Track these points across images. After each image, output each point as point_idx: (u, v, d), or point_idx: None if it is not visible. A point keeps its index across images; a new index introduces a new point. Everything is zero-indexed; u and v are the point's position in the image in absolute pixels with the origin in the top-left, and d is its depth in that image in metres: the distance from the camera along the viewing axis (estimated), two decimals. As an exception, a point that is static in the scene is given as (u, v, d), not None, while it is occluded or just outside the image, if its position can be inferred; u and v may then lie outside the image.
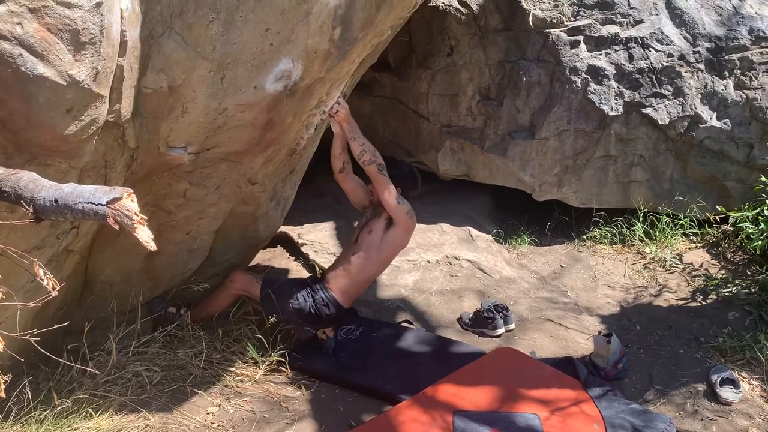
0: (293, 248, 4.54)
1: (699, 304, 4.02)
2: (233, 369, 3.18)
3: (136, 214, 1.41)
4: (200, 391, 3.00)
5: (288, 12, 2.38)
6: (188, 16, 2.25)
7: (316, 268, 4.15)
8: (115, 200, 1.40)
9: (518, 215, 5.12)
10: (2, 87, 1.84)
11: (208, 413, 2.89)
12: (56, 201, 1.42)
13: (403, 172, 3.51)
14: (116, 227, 1.41)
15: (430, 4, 4.70)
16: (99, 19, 1.91)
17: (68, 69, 1.90)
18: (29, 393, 2.55)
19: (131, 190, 1.43)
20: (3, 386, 1.78)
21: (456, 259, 4.41)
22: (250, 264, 4.10)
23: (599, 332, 3.57)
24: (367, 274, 3.40)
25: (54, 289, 1.66)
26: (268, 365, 3.22)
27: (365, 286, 3.51)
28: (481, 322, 3.76)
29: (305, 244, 4.52)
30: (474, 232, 4.75)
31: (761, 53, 4.35)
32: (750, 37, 4.34)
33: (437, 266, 4.34)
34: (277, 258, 4.46)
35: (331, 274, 3.41)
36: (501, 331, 3.73)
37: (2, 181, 1.47)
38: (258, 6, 2.31)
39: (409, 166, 3.65)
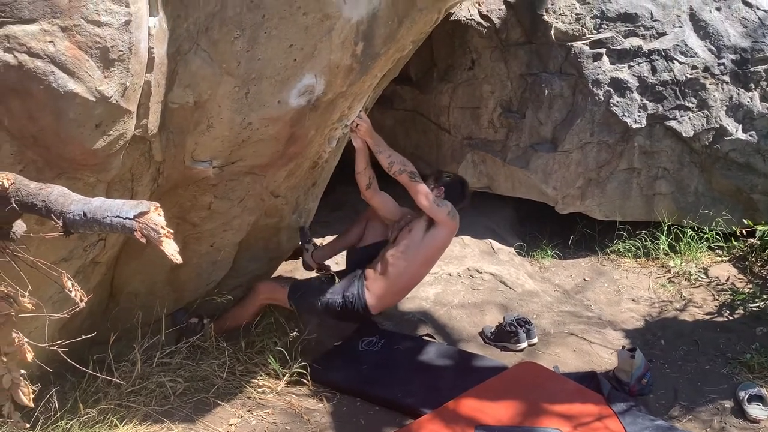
0: (320, 271, 4.55)
1: (726, 319, 3.96)
2: (255, 381, 3.20)
3: (162, 227, 1.44)
4: (223, 403, 3.02)
5: (311, 28, 2.41)
6: (214, 32, 2.30)
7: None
8: (142, 214, 1.43)
9: (541, 228, 5.10)
10: (34, 103, 1.90)
11: (231, 425, 2.91)
12: (85, 215, 1.45)
13: (450, 181, 3.48)
14: (143, 240, 1.44)
15: (451, 18, 4.72)
16: (128, 36, 1.95)
17: (98, 85, 1.95)
18: (56, 402, 2.59)
19: (158, 204, 1.46)
20: (31, 396, 1.82)
21: (478, 271, 4.39)
22: (273, 275, 4.13)
23: (623, 347, 3.53)
24: (406, 277, 3.32)
25: (82, 300, 1.69)
26: (290, 377, 3.24)
27: (402, 294, 3.48)
28: (504, 336, 3.74)
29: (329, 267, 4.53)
30: (496, 244, 4.73)
31: (788, 65, 4.30)
32: (776, 49, 4.29)
33: (459, 279, 4.33)
34: (299, 269, 4.48)
35: (369, 272, 3.34)
36: (523, 345, 3.70)
37: (34, 196, 1.51)
38: (282, 23, 2.35)
39: (458, 177, 3.61)
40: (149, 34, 2.11)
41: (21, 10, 1.74)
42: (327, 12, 2.41)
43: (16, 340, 1.74)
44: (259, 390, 3.15)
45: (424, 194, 3.22)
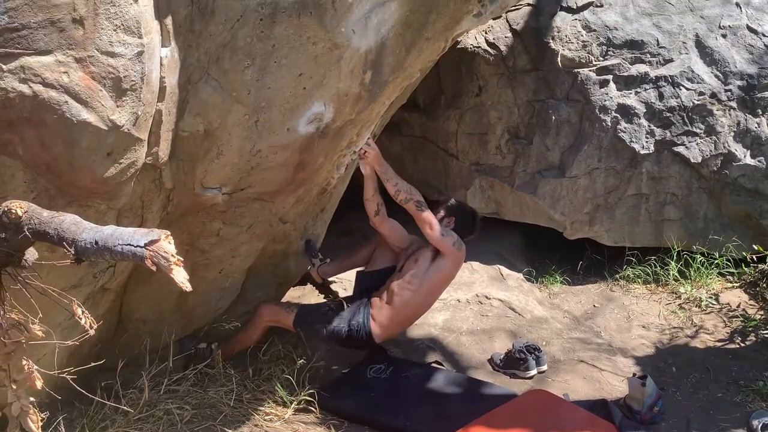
0: (322, 286, 4.55)
1: (737, 346, 3.91)
2: (263, 408, 3.18)
3: (173, 255, 1.44)
4: (230, 430, 3.00)
5: (320, 57, 2.45)
6: (224, 62, 2.33)
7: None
8: (153, 242, 1.44)
9: (549, 254, 5.08)
10: (48, 132, 1.92)
11: (238, 453, 2.89)
12: (97, 243, 1.46)
13: (461, 213, 3.49)
14: (153, 268, 1.44)
15: (458, 46, 4.77)
16: (140, 67, 1.99)
17: (110, 114, 1.98)
18: (64, 430, 2.58)
19: (169, 233, 1.47)
20: (40, 423, 1.81)
21: (486, 298, 4.38)
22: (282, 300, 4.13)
23: (634, 374, 3.49)
24: (411, 306, 3.33)
25: (91, 327, 1.69)
26: (297, 404, 3.22)
27: (407, 324, 3.48)
28: (513, 363, 3.71)
29: (334, 282, 4.53)
30: (505, 270, 4.72)
31: (795, 91, 4.31)
32: (783, 75, 4.30)
33: (467, 305, 4.31)
34: (307, 295, 4.48)
35: (375, 301, 3.35)
36: (533, 372, 3.67)
37: (46, 224, 1.53)
38: (292, 52, 2.39)
39: (469, 209, 3.62)
40: (161, 64, 2.15)
41: (37, 42, 1.77)
42: (336, 41, 2.44)
43: (26, 367, 1.74)
44: (266, 418, 3.13)
45: (429, 223, 3.22)
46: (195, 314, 3.38)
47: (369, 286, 3.50)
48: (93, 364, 2.17)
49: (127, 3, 1.89)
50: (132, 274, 2.94)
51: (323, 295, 3.86)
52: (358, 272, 3.67)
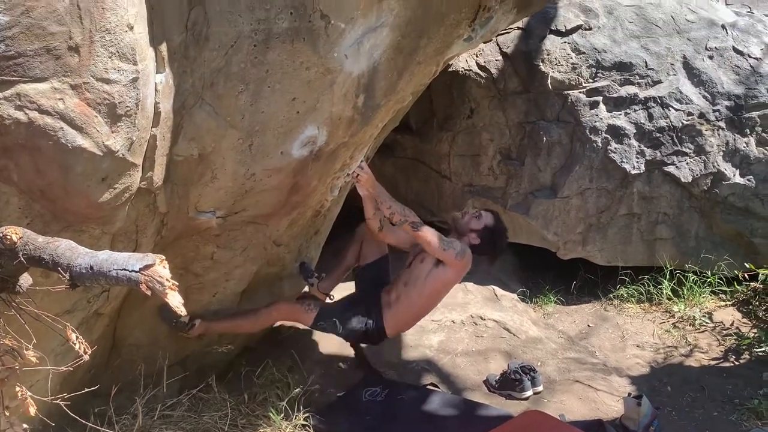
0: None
1: (732, 364, 3.92)
2: (258, 433, 3.16)
3: (167, 280, 1.45)
4: (225, 456, 2.98)
5: (313, 82, 2.48)
6: (219, 87, 2.36)
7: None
8: (148, 267, 1.45)
9: (543, 274, 5.09)
10: (43, 158, 1.93)
11: (233, 478, 2.86)
12: (92, 268, 1.47)
13: (490, 230, 3.39)
14: (148, 293, 1.45)
15: (450, 69, 4.82)
16: (135, 93, 2.01)
17: (105, 140, 1.99)
18: (56, 457, 2.55)
19: (163, 257, 1.48)
20: (32, 451, 1.80)
21: (481, 318, 4.38)
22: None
23: (629, 394, 3.49)
24: (415, 308, 3.37)
25: (86, 352, 1.69)
26: (292, 428, 3.20)
27: (415, 320, 3.50)
28: (508, 384, 3.70)
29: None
30: (499, 291, 4.73)
31: (782, 110, 4.38)
32: (769, 95, 4.37)
33: (462, 326, 4.31)
34: (301, 319, 4.47)
35: (385, 300, 3.39)
36: (529, 393, 3.66)
37: (41, 250, 1.53)
38: (285, 77, 2.42)
39: (499, 231, 3.45)
40: (156, 90, 2.17)
41: (33, 69, 1.79)
42: (329, 66, 2.47)
43: (20, 393, 1.73)
44: (261, 442, 3.11)
45: (427, 242, 3.22)
46: (189, 338, 3.36)
47: (372, 279, 3.55)
48: (86, 389, 2.16)
49: (123, 30, 1.92)
50: (126, 299, 2.93)
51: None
52: (356, 271, 3.68)
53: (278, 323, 3.60)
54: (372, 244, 3.61)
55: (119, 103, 1.98)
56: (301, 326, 4.36)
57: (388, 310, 3.37)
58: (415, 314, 3.44)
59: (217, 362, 3.55)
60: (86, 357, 1.67)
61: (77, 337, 1.68)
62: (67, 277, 1.51)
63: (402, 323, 3.44)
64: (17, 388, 1.73)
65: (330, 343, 3.96)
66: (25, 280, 1.72)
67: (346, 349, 3.91)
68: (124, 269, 1.45)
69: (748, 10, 5.34)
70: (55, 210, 2.10)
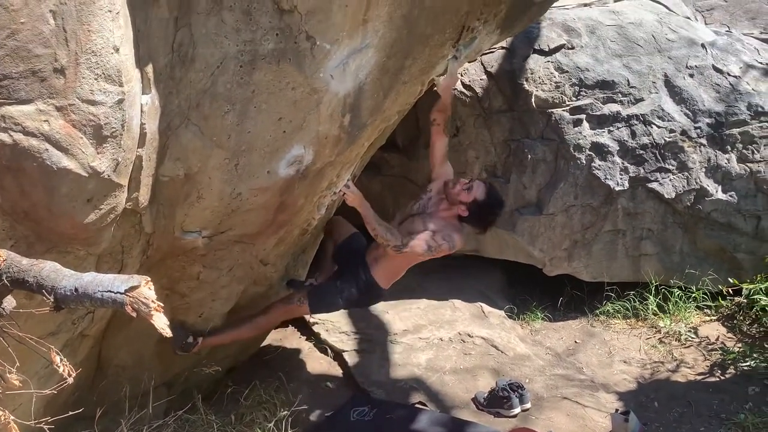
0: (305, 328, 4.53)
1: (718, 379, 3.95)
2: (245, 454, 3.13)
3: (153, 301, 1.45)
4: (211, 478, 2.95)
5: (300, 102, 2.49)
6: (205, 107, 2.37)
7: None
8: (133, 288, 1.44)
9: (530, 290, 5.11)
10: (27, 180, 1.93)
11: (219, 501, 2.83)
12: (77, 290, 1.46)
13: (479, 204, 3.28)
14: (134, 315, 1.45)
15: (435, 89, 4.86)
16: (121, 114, 2.01)
17: (90, 161, 1.99)
18: (39, 482, 2.51)
19: (149, 279, 1.48)
20: (15, 476, 1.77)
21: (469, 336, 4.38)
22: (261, 345, 4.09)
23: (617, 410, 3.50)
24: (400, 259, 3.31)
25: (70, 375, 1.68)
26: (280, 450, 3.17)
27: (404, 270, 3.44)
28: (497, 401, 3.70)
29: (317, 323, 4.51)
30: (486, 308, 4.73)
31: (761, 127, 4.46)
32: (749, 113, 4.45)
33: (450, 344, 4.31)
34: (288, 338, 4.45)
35: (371, 260, 3.34)
36: (517, 410, 3.66)
37: (26, 272, 1.53)
38: (271, 97, 2.43)
39: (490, 205, 3.33)
40: (142, 111, 2.17)
41: (18, 91, 1.79)
42: (315, 86, 2.49)
43: (2, 417, 1.71)
44: (248, 464, 3.08)
45: (410, 258, 3.23)
46: (175, 359, 3.34)
47: (349, 251, 3.49)
48: (71, 413, 2.14)
49: (109, 52, 1.92)
50: (111, 320, 2.91)
51: None
52: (335, 249, 3.60)
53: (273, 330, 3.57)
54: (342, 225, 3.60)
55: (105, 124, 1.98)
56: (288, 345, 4.35)
57: (375, 264, 3.33)
58: (401, 262, 3.35)
59: (203, 383, 3.52)
60: (70, 380, 1.66)
61: (61, 360, 1.67)
62: (52, 300, 1.50)
63: (390, 273, 3.37)
64: (0, 412, 1.71)
65: (317, 363, 3.95)
66: (9, 302, 1.71)
67: (333, 369, 3.90)
68: (110, 291, 1.45)
69: (727, 29, 5.46)
70: (40, 231, 2.09)
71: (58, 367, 1.66)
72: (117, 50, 1.94)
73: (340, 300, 3.39)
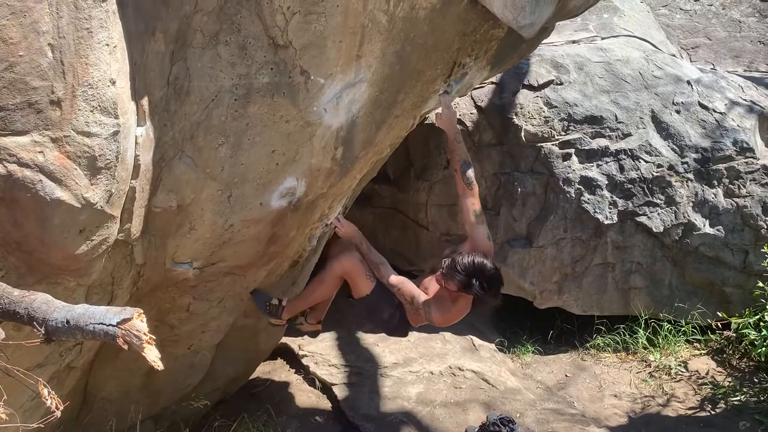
0: (294, 360, 4.49)
1: (708, 414, 3.94)
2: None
3: (145, 334, 1.45)
4: None
5: (293, 135, 2.52)
6: (199, 140, 2.39)
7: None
8: (125, 320, 1.44)
9: (520, 323, 5.10)
10: (20, 210, 1.93)
11: None
12: (68, 322, 1.46)
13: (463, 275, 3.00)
14: (125, 347, 1.44)
15: (426, 122, 4.91)
16: (115, 146, 2.02)
17: (84, 192, 2.00)
18: None
19: (141, 311, 1.48)
20: None
21: (460, 369, 4.36)
22: (250, 377, 4.05)
23: (608, 445, 3.48)
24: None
25: (57, 408, 1.66)
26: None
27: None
28: (487, 436, 3.66)
29: (306, 356, 4.48)
30: (477, 341, 4.72)
31: (746, 163, 4.52)
32: (735, 148, 4.52)
33: (441, 377, 4.28)
34: (277, 371, 4.41)
35: (406, 305, 3.22)
36: (507, 445, 3.62)
37: (17, 303, 1.52)
38: (265, 130, 2.46)
39: (477, 275, 3.00)
40: (136, 143, 2.18)
41: (14, 123, 1.80)
42: (308, 120, 2.52)
43: (-13, 452, 1.68)
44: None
45: (396, 288, 3.17)
46: (163, 392, 3.30)
47: (380, 299, 3.31)
48: (56, 447, 2.11)
49: (105, 85, 1.94)
50: (99, 352, 2.88)
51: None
52: (367, 299, 3.33)
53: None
54: (361, 278, 3.32)
55: (99, 156, 1.99)
56: (277, 378, 4.31)
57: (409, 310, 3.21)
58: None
59: (191, 417, 3.47)
60: (58, 413, 1.64)
61: (49, 393, 1.65)
62: (43, 332, 1.49)
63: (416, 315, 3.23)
64: (-15, 447, 1.68)
65: (306, 397, 3.91)
66: (-2, 334, 1.69)
67: (322, 402, 3.86)
68: (102, 323, 1.45)
69: (711, 67, 5.58)
70: (31, 262, 2.08)
71: (46, 400, 1.64)
72: (113, 83, 1.96)
73: (386, 314, 3.27)
